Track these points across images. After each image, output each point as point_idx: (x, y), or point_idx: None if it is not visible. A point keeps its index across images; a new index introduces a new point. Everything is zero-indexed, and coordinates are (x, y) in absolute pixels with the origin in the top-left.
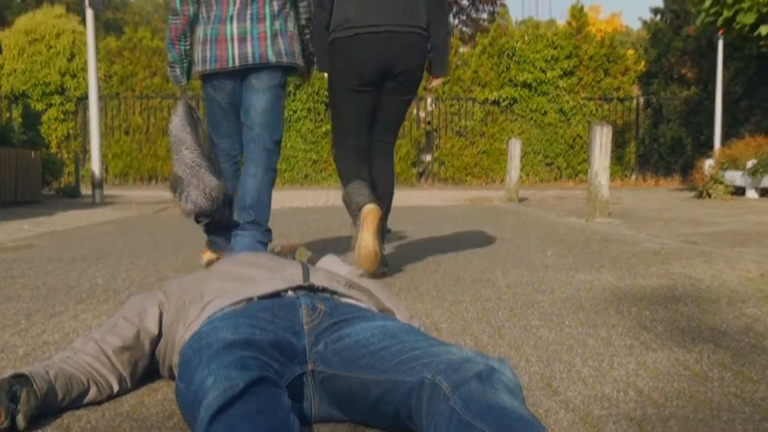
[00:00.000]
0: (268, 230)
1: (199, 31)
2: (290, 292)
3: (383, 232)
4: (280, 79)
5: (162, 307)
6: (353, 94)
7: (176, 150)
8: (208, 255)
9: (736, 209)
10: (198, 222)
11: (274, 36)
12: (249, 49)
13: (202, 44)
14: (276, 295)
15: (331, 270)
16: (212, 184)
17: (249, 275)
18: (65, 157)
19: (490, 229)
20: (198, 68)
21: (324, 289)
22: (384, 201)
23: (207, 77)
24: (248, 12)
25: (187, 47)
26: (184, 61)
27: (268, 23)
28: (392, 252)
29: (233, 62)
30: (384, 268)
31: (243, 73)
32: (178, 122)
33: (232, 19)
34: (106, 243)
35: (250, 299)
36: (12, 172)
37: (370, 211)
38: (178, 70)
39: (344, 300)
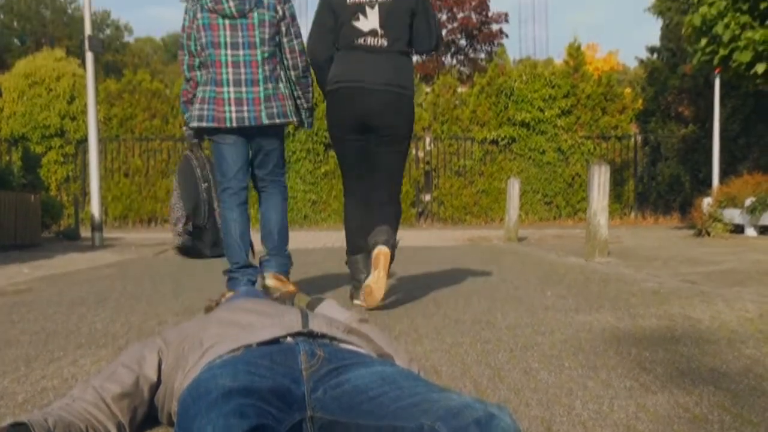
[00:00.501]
0: (289, 255)
1: (198, 91)
2: (289, 339)
3: (393, 239)
4: (279, 134)
5: (161, 353)
6: (341, 141)
7: (187, 187)
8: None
9: (734, 247)
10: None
11: (267, 99)
12: (245, 113)
13: (200, 102)
14: (275, 341)
15: (330, 315)
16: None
17: (248, 321)
18: (65, 200)
19: (490, 269)
20: (194, 124)
21: (323, 335)
22: (388, 219)
23: (207, 131)
24: (243, 76)
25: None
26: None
27: (261, 87)
28: (392, 293)
29: (230, 123)
30: (384, 246)
31: (241, 130)
32: (195, 167)
33: (227, 83)
34: (105, 286)
35: (249, 346)
36: (11, 216)
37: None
38: (191, 130)
39: (343, 346)
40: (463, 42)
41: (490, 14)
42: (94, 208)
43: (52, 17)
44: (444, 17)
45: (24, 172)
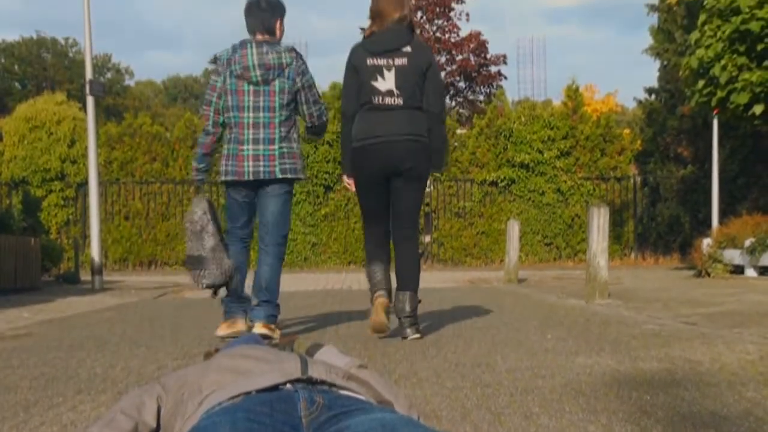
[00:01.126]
0: (278, 305)
1: (223, 149)
2: (288, 385)
3: (414, 303)
4: (287, 188)
5: (160, 400)
6: (367, 190)
7: (197, 236)
8: (224, 328)
9: (735, 288)
10: (214, 295)
11: (281, 156)
12: (261, 168)
13: (225, 159)
14: (274, 388)
15: (330, 361)
16: (228, 264)
17: (246, 368)
18: (65, 243)
19: (490, 311)
20: (221, 178)
21: (322, 382)
22: (410, 283)
23: (228, 183)
24: (261, 135)
25: (212, 159)
26: (208, 168)
27: (276, 146)
28: (391, 336)
29: (248, 176)
30: (416, 334)
31: (257, 182)
32: (201, 214)
33: (248, 141)
34: (104, 330)
35: (248, 393)
36: (11, 260)
37: (380, 303)
38: (202, 175)
39: (343, 392)
40: (462, 84)
41: (488, 56)
42: (94, 251)
43: (53, 61)
44: (443, 60)
45: (24, 215)
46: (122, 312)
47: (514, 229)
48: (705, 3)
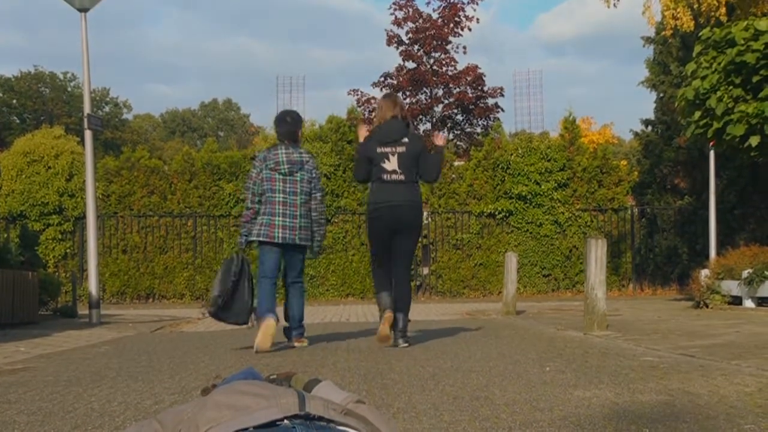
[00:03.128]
0: (304, 326)
1: (259, 218)
2: (286, 421)
3: (405, 321)
4: (304, 252)
5: None
6: (378, 238)
7: (226, 276)
8: (262, 340)
9: (733, 320)
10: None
11: (301, 228)
12: (287, 234)
13: (260, 225)
14: (272, 424)
15: (327, 397)
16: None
17: (244, 404)
18: (62, 276)
19: (488, 344)
20: (254, 238)
21: (320, 418)
22: (404, 307)
23: (261, 242)
24: (288, 211)
25: (252, 226)
26: (249, 233)
27: (298, 221)
28: (390, 370)
29: (278, 240)
30: (405, 344)
31: (282, 245)
32: (235, 265)
33: (278, 213)
34: (102, 365)
35: (245, 429)
36: (9, 294)
37: (387, 318)
38: (244, 239)
39: (341, 428)
40: (459, 116)
41: (485, 89)
42: (92, 285)
43: (52, 95)
44: (440, 93)
45: (22, 249)
46: (120, 346)
47: (511, 261)
48: (700, 35)
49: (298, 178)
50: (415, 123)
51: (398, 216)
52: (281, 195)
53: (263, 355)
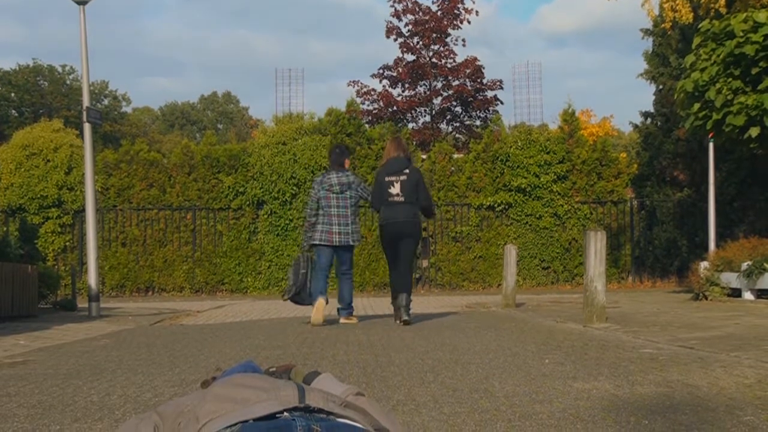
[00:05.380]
0: (353, 307)
1: (318, 225)
2: (285, 414)
3: (408, 300)
4: (352, 249)
5: (157, 429)
6: (388, 246)
7: (296, 272)
8: (315, 314)
9: (732, 312)
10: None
11: (352, 233)
12: (342, 238)
13: (320, 232)
14: (271, 417)
15: (327, 390)
16: (294, 290)
17: (243, 397)
18: (62, 270)
19: (488, 336)
20: (316, 242)
21: (320, 410)
22: (406, 288)
23: (320, 245)
24: (341, 220)
25: (314, 232)
26: (311, 237)
27: (350, 227)
28: (389, 362)
29: (336, 243)
30: (407, 316)
31: (338, 246)
32: (303, 262)
33: (334, 223)
34: (101, 358)
35: (245, 422)
36: (8, 287)
37: (395, 310)
38: (307, 243)
39: (340, 420)
40: (458, 109)
41: (485, 81)
42: (91, 278)
43: (50, 88)
44: (439, 85)
45: (21, 243)
46: (119, 339)
47: (511, 253)
48: (700, 27)
49: (348, 195)
50: (414, 116)
51: (400, 229)
52: (335, 209)
53: (263, 348)
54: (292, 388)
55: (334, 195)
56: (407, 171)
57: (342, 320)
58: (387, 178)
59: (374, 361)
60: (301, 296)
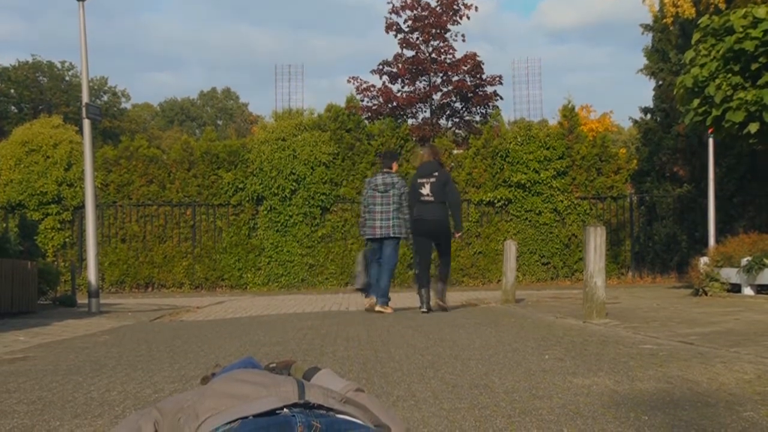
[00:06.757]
0: (389, 296)
1: (368, 221)
2: (285, 410)
3: (443, 288)
4: (394, 242)
5: (157, 425)
6: (418, 242)
7: (361, 264)
8: (367, 303)
9: (732, 307)
10: (360, 291)
11: (393, 226)
12: (384, 231)
13: (368, 228)
14: (271, 413)
15: (326, 385)
16: (365, 279)
17: (244, 393)
18: (61, 266)
19: (487, 332)
20: (367, 236)
21: (320, 406)
22: (444, 277)
23: (369, 239)
24: (383, 216)
25: (366, 228)
26: (365, 231)
27: (391, 221)
28: (389, 358)
29: (379, 235)
30: (441, 302)
31: (382, 238)
32: (362, 256)
33: (377, 218)
34: (101, 354)
35: (245, 418)
36: (8, 284)
37: (422, 294)
38: (366, 236)
39: (340, 416)
40: (458, 105)
41: (484, 77)
42: (91, 274)
43: (50, 84)
44: (439, 81)
45: (21, 239)
46: (119, 335)
47: (510, 249)
48: (699, 22)
49: (391, 194)
50: (414, 112)
51: (429, 226)
52: (379, 206)
53: (263, 344)
54: (292, 384)
55: (379, 194)
56: (437, 174)
57: (377, 308)
58: (419, 180)
59: (374, 357)
60: (369, 287)
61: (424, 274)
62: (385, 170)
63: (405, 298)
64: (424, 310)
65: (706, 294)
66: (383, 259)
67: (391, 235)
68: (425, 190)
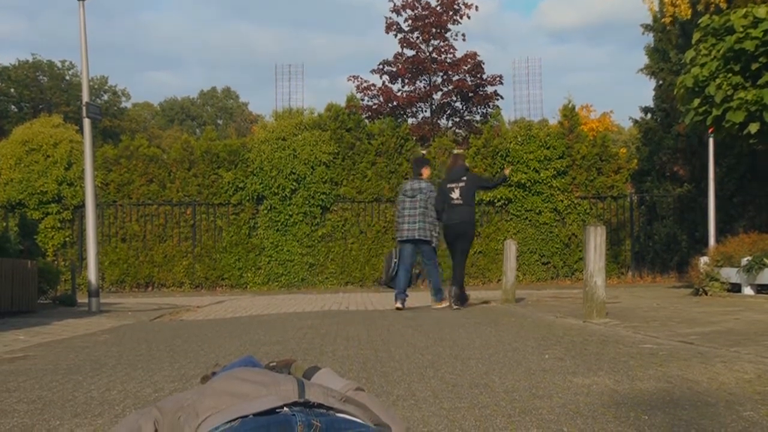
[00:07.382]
0: (441, 290)
1: (397, 229)
2: (285, 409)
3: (457, 290)
4: (428, 244)
5: (157, 424)
6: (448, 243)
7: (388, 264)
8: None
9: (732, 307)
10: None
11: (420, 229)
12: (409, 234)
13: (399, 231)
14: (271, 411)
15: (326, 384)
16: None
17: (244, 392)
18: (61, 265)
19: (488, 331)
20: (398, 238)
21: (319, 405)
22: (458, 281)
23: (400, 241)
24: (411, 219)
25: (399, 231)
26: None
27: (418, 224)
28: (389, 357)
29: (407, 238)
30: (456, 305)
31: (413, 240)
32: (391, 256)
33: (406, 222)
34: (101, 353)
35: (245, 417)
36: (8, 283)
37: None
38: (397, 240)
39: (340, 415)
40: (458, 104)
41: (485, 77)
42: (91, 273)
43: (50, 84)
44: (439, 80)
45: (21, 238)
46: (119, 334)
47: (510, 248)
48: (699, 22)
49: (418, 198)
50: (414, 111)
51: (456, 229)
52: (408, 210)
53: (263, 343)
54: (292, 383)
55: (408, 198)
56: (465, 178)
57: (432, 305)
58: (448, 185)
59: (374, 357)
60: (393, 282)
61: (453, 271)
62: (415, 176)
63: (416, 297)
64: (456, 307)
65: (706, 294)
66: (424, 260)
67: (416, 237)
68: (455, 194)
